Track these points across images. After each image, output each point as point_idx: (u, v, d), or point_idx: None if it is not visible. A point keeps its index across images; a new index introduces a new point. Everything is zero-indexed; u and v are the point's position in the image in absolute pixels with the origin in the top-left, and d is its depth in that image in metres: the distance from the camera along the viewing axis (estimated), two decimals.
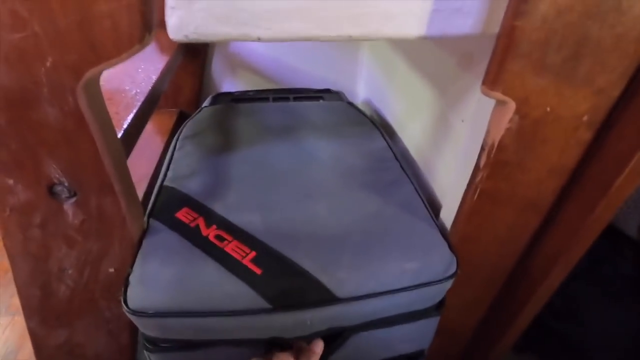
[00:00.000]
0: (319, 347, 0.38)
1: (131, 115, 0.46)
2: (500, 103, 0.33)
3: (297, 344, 0.37)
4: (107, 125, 0.35)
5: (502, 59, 0.30)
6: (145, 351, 0.39)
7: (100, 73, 0.32)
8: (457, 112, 0.47)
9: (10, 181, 0.34)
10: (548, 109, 0.33)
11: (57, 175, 0.34)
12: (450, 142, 0.49)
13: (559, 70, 0.31)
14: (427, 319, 0.44)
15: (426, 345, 0.49)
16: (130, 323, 0.54)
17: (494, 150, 0.35)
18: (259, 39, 0.30)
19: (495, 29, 0.31)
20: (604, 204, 0.38)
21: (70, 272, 0.43)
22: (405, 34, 0.31)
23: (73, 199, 0.37)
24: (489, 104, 0.36)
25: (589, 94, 0.33)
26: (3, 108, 0.30)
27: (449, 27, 0.32)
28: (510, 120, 0.33)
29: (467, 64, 0.45)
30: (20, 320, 0.86)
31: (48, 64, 0.28)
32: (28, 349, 0.77)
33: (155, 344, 0.38)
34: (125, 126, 0.44)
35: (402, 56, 0.67)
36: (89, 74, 0.29)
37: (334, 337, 0.39)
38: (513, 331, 0.61)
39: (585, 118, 0.34)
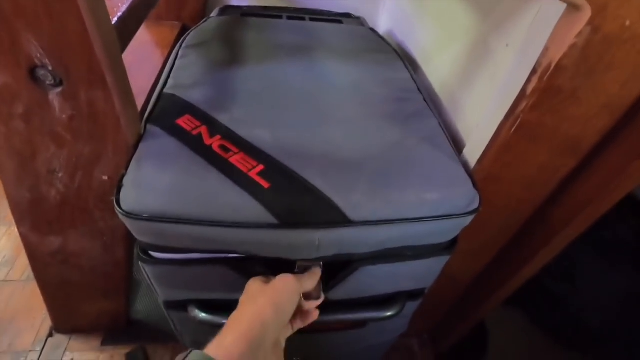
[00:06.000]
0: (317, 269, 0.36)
1: (127, 4, 0.40)
2: (572, 9, 0.27)
3: (301, 265, 0.35)
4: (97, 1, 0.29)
5: None
6: (140, 263, 0.37)
7: None
8: (501, 36, 0.41)
9: None
10: (627, 22, 0.27)
11: (39, 55, 0.29)
12: (487, 72, 0.44)
13: None
14: (436, 258, 0.42)
15: (429, 285, 0.47)
16: (126, 237, 0.52)
17: (550, 72, 0.30)
18: None
19: None
20: None
21: (60, 175, 0.40)
22: None
23: (59, 89, 0.32)
24: (546, 21, 0.30)
25: None
26: None
27: None
28: (579, 34, 0.28)
29: None
30: (17, 232, 0.86)
31: None
32: (25, 259, 0.77)
33: (150, 256, 0.36)
34: (119, 14, 0.38)
35: None
36: None
37: (341, 268, 0.37)
38: (512, 284, 0.60)
39: None
